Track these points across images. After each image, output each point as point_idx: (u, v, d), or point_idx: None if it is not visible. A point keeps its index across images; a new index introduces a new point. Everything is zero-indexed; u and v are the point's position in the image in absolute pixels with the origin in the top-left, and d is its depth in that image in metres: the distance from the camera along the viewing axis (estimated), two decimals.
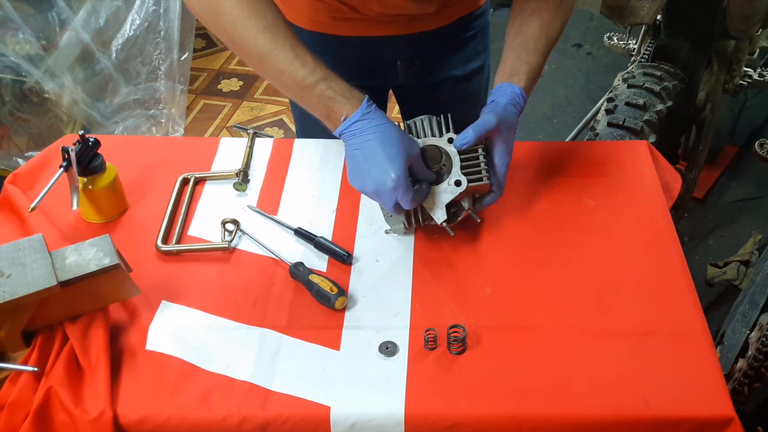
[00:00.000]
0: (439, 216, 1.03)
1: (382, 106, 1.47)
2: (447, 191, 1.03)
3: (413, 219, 1.07)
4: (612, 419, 0.88)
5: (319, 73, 0.98)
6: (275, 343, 0.97)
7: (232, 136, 1.33)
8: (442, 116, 1.09)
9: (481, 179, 1.04)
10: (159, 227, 1.13)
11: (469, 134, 1.02)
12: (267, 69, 1.00)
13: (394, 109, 2.46)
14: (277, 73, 0.99)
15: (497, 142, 1.05)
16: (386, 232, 1.12)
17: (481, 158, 1.05)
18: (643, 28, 1.97)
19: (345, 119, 0.98)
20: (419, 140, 1.06)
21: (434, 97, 1.39)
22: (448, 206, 1.04)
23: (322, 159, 1.26)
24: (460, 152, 1.04)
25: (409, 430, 0.89)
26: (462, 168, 1.04)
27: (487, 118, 1.03)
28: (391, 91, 1.46)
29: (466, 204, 1.06)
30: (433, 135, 1.07)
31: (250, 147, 1.28)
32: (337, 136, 1.01)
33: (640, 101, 1.67)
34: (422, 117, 1.09)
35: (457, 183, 1.03)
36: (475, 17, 1.32)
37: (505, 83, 1.06)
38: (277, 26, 0.97)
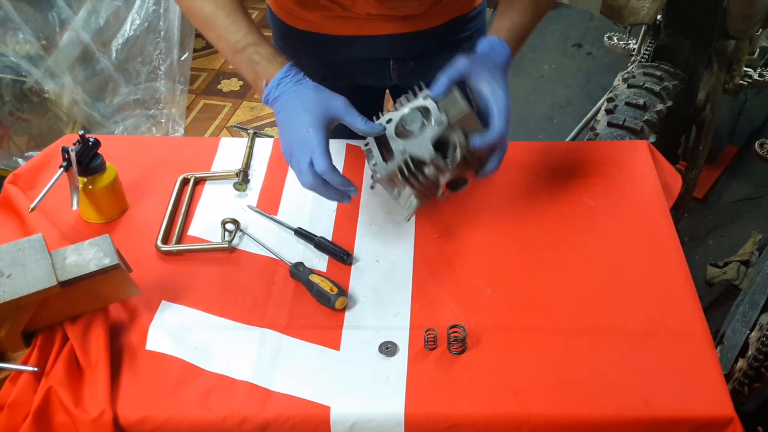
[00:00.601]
0: (428, 155, 0.96)
1: (378, 106, 1.47)
2: (431, 133, 0.97)
3: (414, 184, 0.99)
4: (612, 419, 0.88)
5: (249, 38, 1.00)
6: (275, 343, 0.97)
7: (232, 136, 1.33)
8: (420, 84, 1.03)
9: (461, 108, 0.96)
10: (159, 227, 1.13)
11: (440, 79, 0.98)
12: (210, 34, 1.04)
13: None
14: (216, 38, 1.03)
15: (481, 80, 0.97)
16: (407, 219, 1.09)
17: (456, 92, 0.97)
18: (643, 28, 1.97)
19: (266, 84, 0.99)
20: (398, 111, 1.00)
21: None
22: (451, 181, 1.00)
23: None
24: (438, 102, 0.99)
25: (409, 430, 0.89)
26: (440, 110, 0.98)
27: (455, 60, 0.99)
28: (387, 93, 1.45)
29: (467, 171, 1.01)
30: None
31: (250, 147, 1.28)
32: (265, 103, 1.01)
33: (640, 101, 1.67)
34: (403, 97, 1.04)
35: (438, 123, 0.97)
36: (470, 18, 1.31)
37: (482, 38, 1.04)
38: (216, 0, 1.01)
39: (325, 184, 0.96)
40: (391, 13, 1.19)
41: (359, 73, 1.32)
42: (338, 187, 0.96)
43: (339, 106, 0.97)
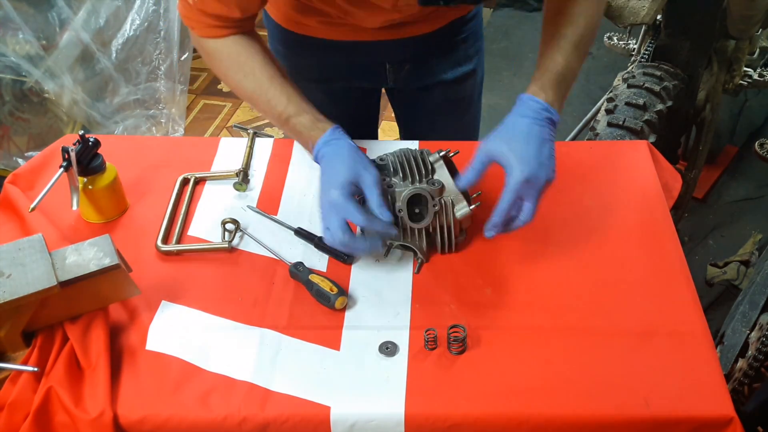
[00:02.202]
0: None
1: (375, 106, 1.47)
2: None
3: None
4: (612, 419, 0.88)
5: (290, 110, 1.05)
6: (275, 343, 0.97)
7: (232, 136, 1.33)
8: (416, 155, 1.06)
9: (466, 211, 1.03)
10: (159, 227, 1.13)
11: (471, 169, 1.00)
12: (257, 108, 1.11)
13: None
14: (263, 112, 1.10)
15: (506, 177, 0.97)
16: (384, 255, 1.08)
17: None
18: (643, 28, 1.97)
19: (312, 147, 1.04)
20: (406, 189, 1.02)
21: (425, 100, 1.38)
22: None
23: None
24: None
25: (409, 430, 0.89)
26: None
27: (479, 152, 0.99)
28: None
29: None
30: (411, 177, 1.04)
31: (250, 147, 1.28)
32: (317, 162, 1.04)
33: (640, 101, 1.67)
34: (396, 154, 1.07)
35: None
36: (466, 21, 1.31)
37: (525, 97, 1.02)
38: (255, 73, 1.07)
39: (352, 239, 0.96)
40: (386, 24, 1.19)
41: (355, 75, 1.32)
42: (385, 232, 0.98)
43: (366, 178, 0.97)
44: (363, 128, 1.42)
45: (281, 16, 1.26)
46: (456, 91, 1.39)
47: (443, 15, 1.25)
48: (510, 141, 0.97)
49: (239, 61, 1.07)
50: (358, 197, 0.98)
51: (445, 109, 1.39)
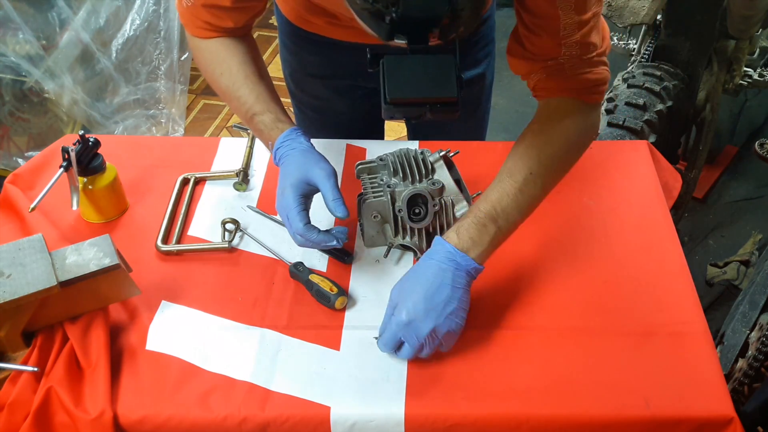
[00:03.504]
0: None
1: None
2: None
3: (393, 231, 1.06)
4: (612, 419, 0.88)
5: (255, 108, 1.05)
6: (275, 343, 0.97)
7: (232, 136, 1.33)
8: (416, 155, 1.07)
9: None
10: (159, 227, 1.13)
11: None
12: (229, 104, 1.10)
13: None
14: (233, 108, 1.10)
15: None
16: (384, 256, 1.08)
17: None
18: (643, 28, 1.97)
19: (271, 147, 1.04)
20: (406, 189, 1.03)
21: None
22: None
23: None
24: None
25: (409, 430, 0.89)
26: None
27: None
28: None
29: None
30: (411, 175, 1.05)
31: (250, 147, 1.28)
32: (276, 164, 1.04)
33: (640, 101, 1.67)
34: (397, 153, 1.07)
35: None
36: (482, 24, 1.29)
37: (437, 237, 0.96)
38: (231, 70, 1.07)
39: (309, 240, 0.97)
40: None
41: (362, 75, 1.32)
42: (315, 242, 0.97)
43: (317, 174, 0.97)
44: (370, 126, 1.41)
45: (291, 13, 1.26)
46: (463, 94, 1.37)
47: None
48: (404, 282, 0.94)
49: (218, 59, 1.09)
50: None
51: None
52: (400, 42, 0.78)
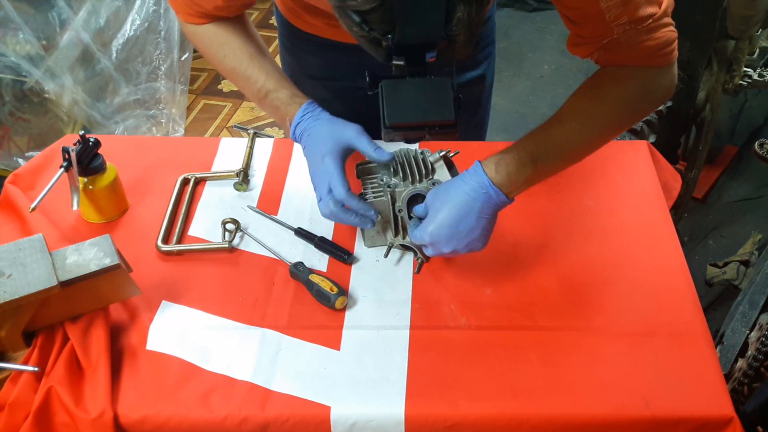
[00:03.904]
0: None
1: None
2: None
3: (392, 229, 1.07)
4: (612, 419, 0.88)
5: (269, 85, 1.07)
6: (275, 343, 0.97)
7: (233, 136, 1.33)
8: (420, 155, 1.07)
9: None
10: (159, 227, 1.13)
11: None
12: (237, 85, 1.12)
13: None
14: (242, 88, 1.11)
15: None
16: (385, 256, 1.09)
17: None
18: None
19: (290, 123, 1.05)
20: (406, 189, 1.04)
21: None
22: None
23: None
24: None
25: (409, 430, 0.89)
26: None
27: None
28: None
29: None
30: (412, 174, 1.05)
31: (251, 147, 1.28)
32: (294, 140, 1.06)
33: None
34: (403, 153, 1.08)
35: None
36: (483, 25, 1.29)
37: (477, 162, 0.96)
38: (235, 51, 1.09)
39: (345, 210, 0.99)
40: None
41: (360, 76, 1.31)
42: (358, 211, 1.00)
43: (350, 134, 1.00)
44: (369, 127, 1.41)
45: (290, 14, 1.26)
46: (463, 95, 1.37)
47: None
48: (436, 196, 0.97)
49: (219, 42, 1.09)
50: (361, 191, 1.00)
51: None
52: (398, 62, 0.79)
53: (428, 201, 0.98)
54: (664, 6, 0.93)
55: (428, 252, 0.99)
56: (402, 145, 1.13)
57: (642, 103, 1.00)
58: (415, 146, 1.21)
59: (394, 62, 0.79)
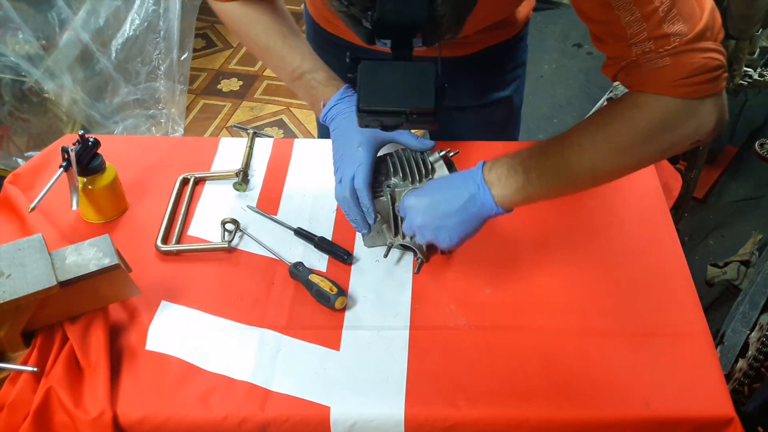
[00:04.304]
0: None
1: None
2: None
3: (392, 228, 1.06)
4: (612, 419, 0.88)
5: (305, 65, 1.06)
6: (275, 343, 0.97)
7: (232, 136, 1.33)
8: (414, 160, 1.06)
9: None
10: (159, 227, 1.13)
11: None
12: (269, 63, 1.12)
13: None
14: (275, 67, 1.11)
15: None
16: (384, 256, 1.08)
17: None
18: None
19: (324, 105, 1.04)
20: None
21: (457, 119, 1.33)
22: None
23: (322, 159, 1.26)
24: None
25: (409, 430, 0.89)
26: None
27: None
28: None
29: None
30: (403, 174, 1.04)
31: (250, 147, 1.28)
32: (323, 121, 1.06)
33: None
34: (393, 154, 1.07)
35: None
36: (506, 48, 1.23)
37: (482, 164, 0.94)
38: (269, 30, 1.07)
39: (355, 200, 1.00)
40: None
41: None
42: (364, 206, 1.00)
43: (384, 135, 1.02)
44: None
45: (316, 13, 1.26)
46: (488, 115, 1.33)
47: (470, 43, 1.19)
48: (425, 189, 0.98)
49: (251, 20, 1.08)
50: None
51: (478, 130, 1.32)
52: (383, 47, 0.76)
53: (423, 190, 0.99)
54: (700, 26, 0.80)
55: (405, 227, 0.99)
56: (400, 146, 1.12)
57: (656, 137, 0.88)
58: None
59: (380, 46, 0.76)
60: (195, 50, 3.00)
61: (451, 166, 1.07)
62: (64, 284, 0.89)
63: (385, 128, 0.84)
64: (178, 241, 1.12)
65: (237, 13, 1.09)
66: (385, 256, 1.07)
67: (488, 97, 1.31)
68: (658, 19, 0.79)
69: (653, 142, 0.88)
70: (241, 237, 1.13)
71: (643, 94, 0.87)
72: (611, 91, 1.79)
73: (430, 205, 0.94)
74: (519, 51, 1.30)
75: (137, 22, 2.42)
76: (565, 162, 0.90)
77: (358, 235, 1.12)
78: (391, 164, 1.05)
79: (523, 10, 1.24)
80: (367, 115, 0.79)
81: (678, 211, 2.04)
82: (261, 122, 2.79)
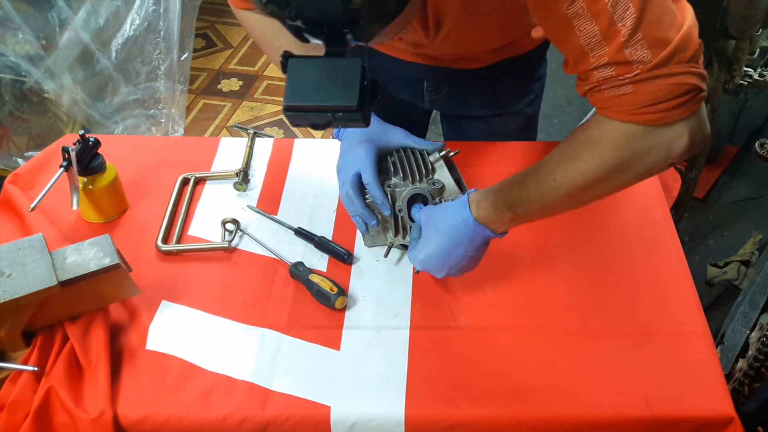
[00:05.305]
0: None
1: (420, 121, 1.42)
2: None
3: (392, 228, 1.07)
4: (612, 419, 0.88)
5: None
6: (275, 343, 0.97)
7: (232, 136, 1.33)
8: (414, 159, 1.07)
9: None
10: (159, 227, 1.13)
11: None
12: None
13: None
14: None
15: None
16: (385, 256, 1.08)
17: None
18: None
19: None
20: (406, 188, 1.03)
21: (470, 129, 1.33)
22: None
23: (322, 159, 1.26)
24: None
25: (409, 430, 0.89)
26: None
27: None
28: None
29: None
30: (404, 174, 1.04)
31: (250, 147, 1.28)
32: (336, 137, 1.09)
33: None
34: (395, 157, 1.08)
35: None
36: (520, 62, 1.21)
37: (472, 194, 0.94)
38: (291, 42, 1.07)
39: (359, 198, 1.02)
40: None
41: (395, 86, 1.29)
42: (377, 199, 1.01)
43: (399, 135, 1.08)
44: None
45: None
46: (500, 126, 1.32)
47: (480, 58, 1.17)
48: (427, 225, 0.97)
49: (273, 32, 1.09)
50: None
51: (489, 140, 1.31)
52: (317, 43, 0.73)
53: (422, 223, 0.99)
54: (666, 52, 0.75)
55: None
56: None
57: (626, 166, 0.85)
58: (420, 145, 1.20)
59: (314, 42, 0.73)
60: (195, 50, 3.00)
61: (451, 166, 1.08)
62: (64, 284, 0.89)
63: (315, 126, 0.81)
64: (178, 241, 1.12)
65: (260, 20, 1.09)
66: (386, 255, 1.07)
67: (500, 109, 1.30)
68: (619, 44, 0.75)
69: (625, 170, 0.85)
70: (241, 237, 1.13)
71: (607, 121, 0.83)
72: None
73: (441, 261, 0.96)
74: (535, 65, 1.27)
75: (137, 22, 2.42)
76: (544, 197, 0.89)
77: (359, 235, 1.12)
78: (391, 164, 1.05)
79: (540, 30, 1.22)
80: (293, 113, 0.76)
81: (678, 211, 2.04)
82: (261, 122, 2.79)
